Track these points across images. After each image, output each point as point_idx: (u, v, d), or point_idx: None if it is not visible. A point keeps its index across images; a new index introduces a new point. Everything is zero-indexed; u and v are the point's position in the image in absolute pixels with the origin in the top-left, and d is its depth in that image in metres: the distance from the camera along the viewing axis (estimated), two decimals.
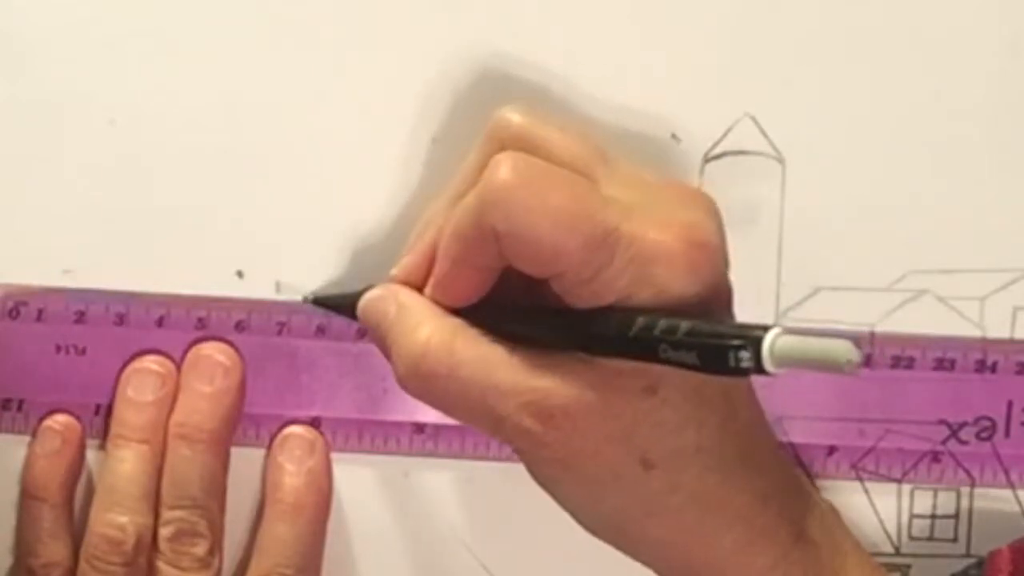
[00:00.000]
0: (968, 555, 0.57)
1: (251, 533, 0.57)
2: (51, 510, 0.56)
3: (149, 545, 0.55)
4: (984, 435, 0.56)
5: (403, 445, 0.57)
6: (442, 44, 0.55)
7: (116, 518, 0.55)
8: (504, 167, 0.47)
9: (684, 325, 0.45)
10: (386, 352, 0.51)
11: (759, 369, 0.44)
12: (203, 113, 0.56)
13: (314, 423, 0.57)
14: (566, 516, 0.50)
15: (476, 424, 0.50)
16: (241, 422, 0.57)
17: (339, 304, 0.55)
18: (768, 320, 0.53)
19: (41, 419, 0.56)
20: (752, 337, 0.44)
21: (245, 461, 0.57)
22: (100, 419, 0.57)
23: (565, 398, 0.47)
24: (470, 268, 0.49)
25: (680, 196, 0.49)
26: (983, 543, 0.56)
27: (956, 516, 0.57)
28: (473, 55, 0.55)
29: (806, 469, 0.57)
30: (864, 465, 0.57)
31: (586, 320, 0.47)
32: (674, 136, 0.56)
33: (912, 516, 0.57)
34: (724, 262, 0.48)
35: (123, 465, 0.55)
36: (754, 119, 0.56)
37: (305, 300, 0.56)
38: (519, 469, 0.50)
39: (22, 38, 0.55)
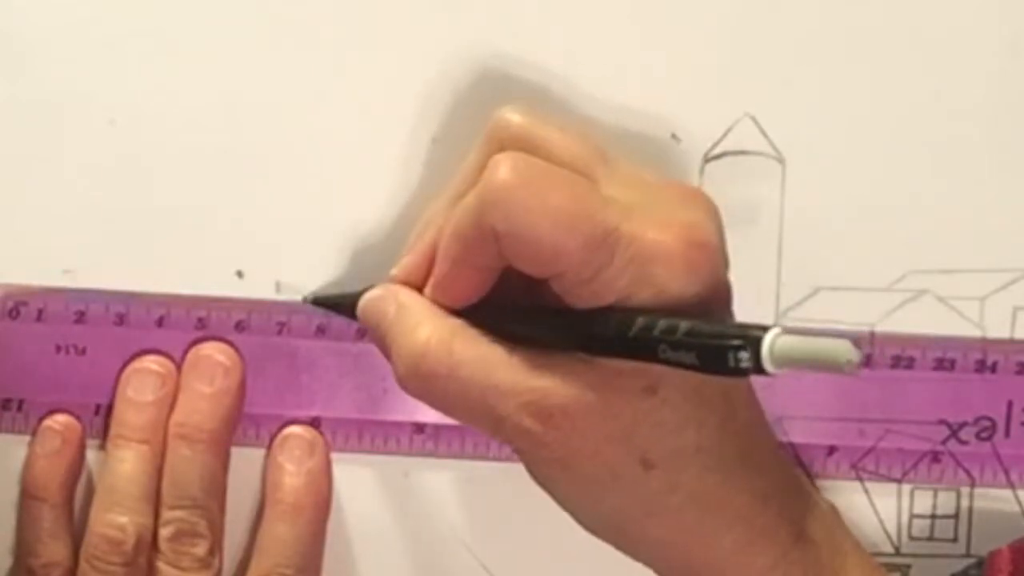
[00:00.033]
0: (968, 555, 0.57)
1: (251, 533, 0.57)
2: (51, 510, 0.56)
3: (149, 545, 0.55)
4: (984, 435, 0.56)
5: (403, 445, 0.57)
6: (442, 44, 0.55)
7: (116, 518, 0.55)
8: (504, 167, 0.47)
9: (684, 325, 0.45)
10: (386, 352, 0.51)
11: (758, 369, 0.44)
12: (203, 113, 0.56)
13: (314, 423, 0.57)
14: (566, 516, 0.50)
15: (476, 424, 0.50)
16: (241, 422, 0.57)
17: (339, 304, 0.55)
18: (768, 320, 0.53)
19: (41, 419, 0.56)
20: (751, 337, 0.44)
21: (245, 461, 0.57)
22: (100, 419, 0.57)
23: (565, 398, 0.47)
24: (470, 268, 0.49)
25: (680, 196, 0.49)
26: (983, 543, 0.56)
27: (956, 516, 0.57)
28: (473, 55, 0.55)
29: (806, 469, 0.57)
30: (864, 465, 0.57)
31: (586, 320, 0.47)
32: (674, 136, 0.56)
33: (912, 516, 0.57)
34: (723, 262, 0.48)
35: (123, 465, 0.56)
36: (754, 119, 0.56)
37: (305, 300, 0.56)
38: (519, 469, 0.50)
39: (22, 38, 0.56)
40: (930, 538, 0.57)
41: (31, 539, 0.56)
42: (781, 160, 0.56)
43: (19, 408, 0.56)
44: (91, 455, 0.57)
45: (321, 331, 0.56)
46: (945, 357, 0.56)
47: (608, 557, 0.51)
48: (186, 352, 0.56)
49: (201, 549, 0.55)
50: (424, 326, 0.49)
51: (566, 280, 0.47)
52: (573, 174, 0.48)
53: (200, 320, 0.56)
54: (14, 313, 0.56)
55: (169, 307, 0.56)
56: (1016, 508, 0.57)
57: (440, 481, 0.57)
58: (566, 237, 0.46)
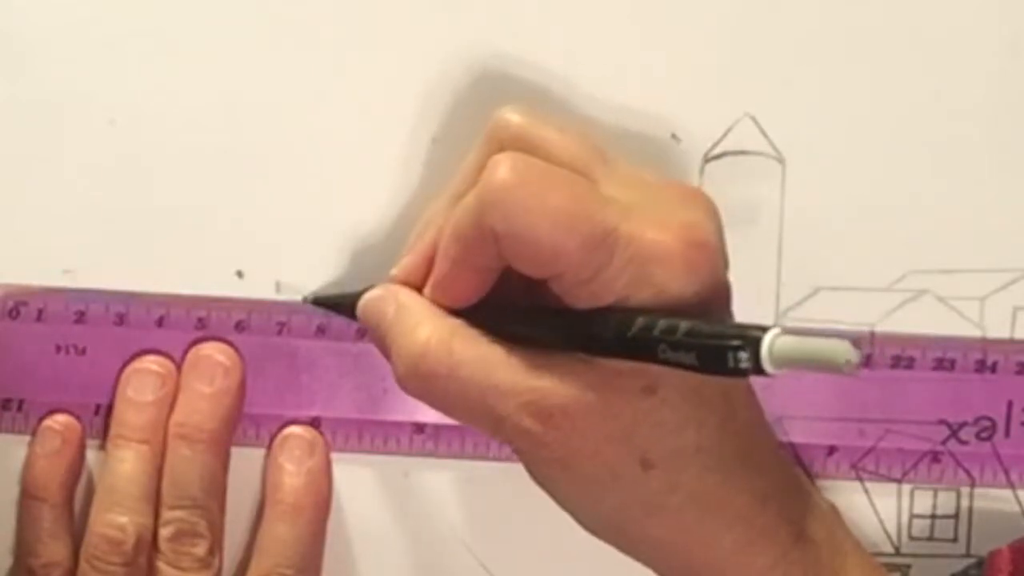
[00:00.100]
0: (968, 555, 0.57)
1: (251, 533, 0.57)
2: (51, 510, 0.56)
3: (149, 545, 0.55)
4: (984, 435, 0.56)
5: (403, 445, 0.57)
6: (442, 44, 0.55)
7: (116, 518, 0.55)
8: (503, 167, 0.47)
9: (683, 325, 0.45)
10: (385, 352, 0.51)
11: (758, 369, 0.44)
12: (203, 113, 0.56)
13: (314, 423, 0.57)
14: (566, 516, 0.50)
15: (476, 424, 0.50)
16: (241, 422, 0.57)
17: (339, 304, 0.55)
18: (768, 320, 0.53)
19: (41, 419, 0.56)
20: (751, 337, 0.44)
21: (245, 461, 0.57)
22: (100, 419, 0.57)
23: (564, 398, 0.47)
24: (470, 269, 0.49)
25: (679, 196, 0.49)
26: (983, 543, 0.56)
27: (956, 516, 0.57)
28: (473, 55, 0.55)
29: (806, 469, 0.57)
30: (864, 465, 0.57)
31: (585, 320, 0.47)
32: (674, 136, 0.56)
33: (912, 516, 0.57)
34: (723, 262, 0.48)
35: (123, 465, 0.56)
36: (754, 119, 0.56)
37: (305, 300, 0.56)
38: (519, 469, 0.50)
39: (22, 38, 0.56)
40: (930, 538, 0.57)
41: (31, 539, 0.56)
42: (781, 160, 0.56)
43: (19, 408, 0.56)
44: (91, 455, 0.57)
45: (321, 331, 0.56)
46: (945, 357, 0.56)
47: (608, 557, 0.51)
48: (186, 352, 0.56)
49: (201, 549, 0.55)
50: (424, 326, 0.49)
51: (565, 280, 0.47)
52: (572, 174, 0.48)
53: (200, 320, 0.56)
54: (14, 313, 0.56)
55: (169, 307, 0.56)
56: (1016, 508, 0.57)
57: (440, 481, 0.57)
58: (565, 237, 0.46)
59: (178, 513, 0.55)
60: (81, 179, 0.56)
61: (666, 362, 0.45)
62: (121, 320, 0.56)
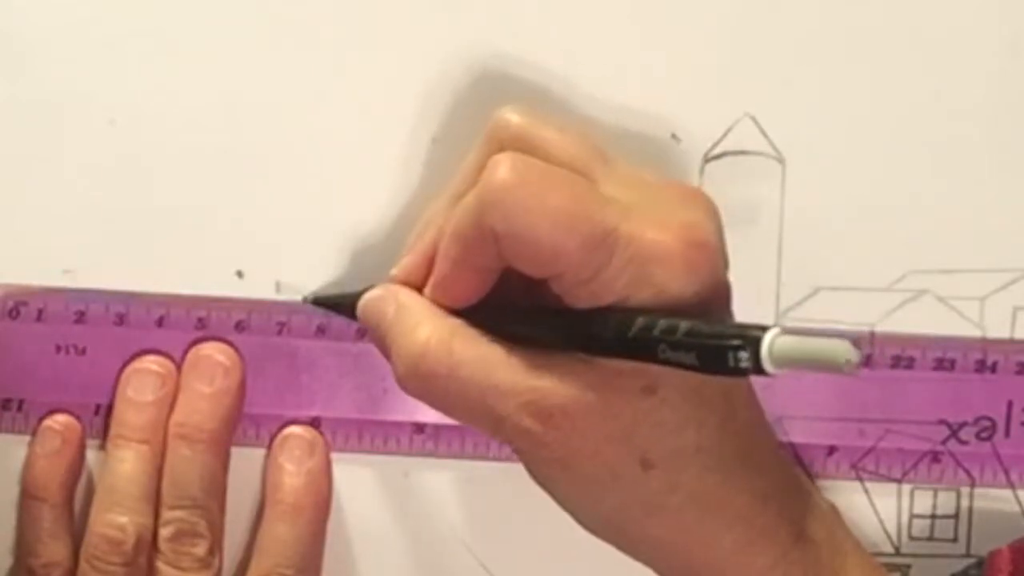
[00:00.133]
0: (968, 555, 0.57)
1: (251, 533, 0.57)
2: (51, 510, 0.56)
3: (149, 545, 0.55)
4: (984, 435, 0.56)
5: (403, 445, 0.57)
6: (442, 44, 0.55)
7: (116, 518, 0.55)
8: (502, 167, 0.47)
9: (683, 325, 0.45)
10: (385, 352, 0.51)
11: (758, 369, 0.44)
12: (203, 113, 0.56)
13: (314, 423, 0.57)
14: (566, 516, 0.50)
15: (476, 424, 0.50)
16: (241, 422, 0.57)
17: (339, 304, 0.55)
18: (768, 320, 0.53)
19: (41, 419, 0.56)
20: (751, 337, 0.44)
21: (245, 461, 0.57)
22: (100, 419, 0.57)
23: (564, 398, 0.47)
24: (470, 269, 0.49)
25: (679, 196, 0.49)
26: (983, 543, 0.56)
27: (956, 516, 0.57)
28: (473, 55, 0.55)
29: (806, 469, 0.57)
30: (864, 465, 0.57)
31: (585, 320, 0.47)
32: (674, 136, 0.56)
33: (912, 516, 0.57)
34: (723, 262, 0.48)
35: (123, 465, 0.56)
36: (754, 119, 0.56)
37: (305, 300, 0.56)
38: (519, 469, 0.50)
39: (22, 38, 0.56)
40: (930, 538, 0.57)
41: (31, 539, 0.56)
42: (781, 160, 0.56)
43: (19, 408, 0.56)
44: (91, 455, 0.57)
45: (321, 331, 0.56)
46: (945, 357, 0.56)
47: (608, 557, 0.51)
48: (186, 352, 0.56)
49: (201, 549, 0.55)
50: (424, 326, 0.49)
51: (565, 280, 0.47)
52: (572, 174, 0.48)
53: (200, 320, 0.56)
54: (14, 313, 0.56)
55: (169, 307, 0.56)
56: (1016, 508, 0.57)
57: (440, 481, 0.57)
58: (565, 237, 0.46)
59: (178, 513, 0.55)
60: (81, 179, 0.56)
61: (666, 362, 0.45)
62: (121, 320, 0.56)
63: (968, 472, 0.57)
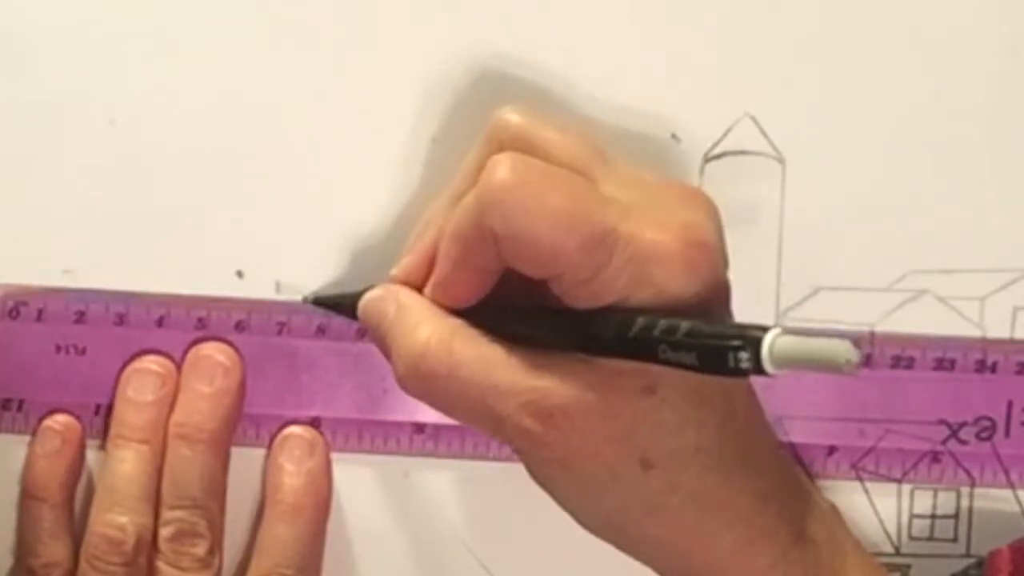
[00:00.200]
0: (968, 555, 0.57)
1: (251, 533, 0.57)
2: (51, 510, 0.56)
3: (149, 545, 0.55)
4: (984, 435, 0.56)
5: (403, 445, 0.57)
6: (442, 44, 0.55)
7: (116, 518, 0.55)
8: (502, 168, 0.47)
9: (683, 325, 0.45)
10: (386, 352, 0.51)
11: (758, 370, 0.44)
12: (203, 113, 0.56)
13: (314, 423, 0.57)
14: (566, 516, 0.50)
15: (476, 424, 0.50)
16: (241, 422, 0.57)
17: (339, 304, 0.55)
18: (768, 320, 0.53)
19: (41, 419, 0.56)
20: (751, 337, 0.44)
21: (245, 461, 0.57)
22: (100, 419, 0.57)
23: (564, 398, 0.47)
24: (470, 269, 0.49)
25: (679, 196, 0.49)
26: (983, 543, 0.56)
27: (956, 516, 0.57)
28: (473, 55, 0.55)
29: (806, 469, 0.57)
30: (864, 465, 0.57)
31: (585, 320, 0.47)
32: (674, 136, 0.56)
33: (912, 516, 0.57)
34: (723, 262, 0.48)
35: (123, 465, 0.56)
36: (754, 119, 0.56)
37: (305, 300, 0.56)
38: (519, 469, 0.50)
39: (22, 38, 0.56)
40: (930, 538, 0.57)
41: (31, 539, 0.56)
42: (781, 160, 0.56)
43: (19, 408, 0.56)
44: (91, 455, 0.57)
45: (321, 331, 0.56)
46: (945, 357, 0.56)
47: (608, 557, 0.51)
48: (186, 352, 0.56)
49: (201, 549, 0.55)
50: (424, 326, 0.49)
51: (565, 280, 0.47)
52: (572, 174, 0.48)
53: (200, 320, 0.56)
54: (14, 313, 0.56)
55: (169, 307, 0.56)
56: (1016, 508, 0.57)
57: (440, 481, 0.57)
58: (565, 237, 0.46)
59: (178, 513, 0.55)
60: (81, 179, 0.56)
61: (666, 362, 0.45)
62: (121, 320, 0.56)
63: (968, 472, 0.57)
